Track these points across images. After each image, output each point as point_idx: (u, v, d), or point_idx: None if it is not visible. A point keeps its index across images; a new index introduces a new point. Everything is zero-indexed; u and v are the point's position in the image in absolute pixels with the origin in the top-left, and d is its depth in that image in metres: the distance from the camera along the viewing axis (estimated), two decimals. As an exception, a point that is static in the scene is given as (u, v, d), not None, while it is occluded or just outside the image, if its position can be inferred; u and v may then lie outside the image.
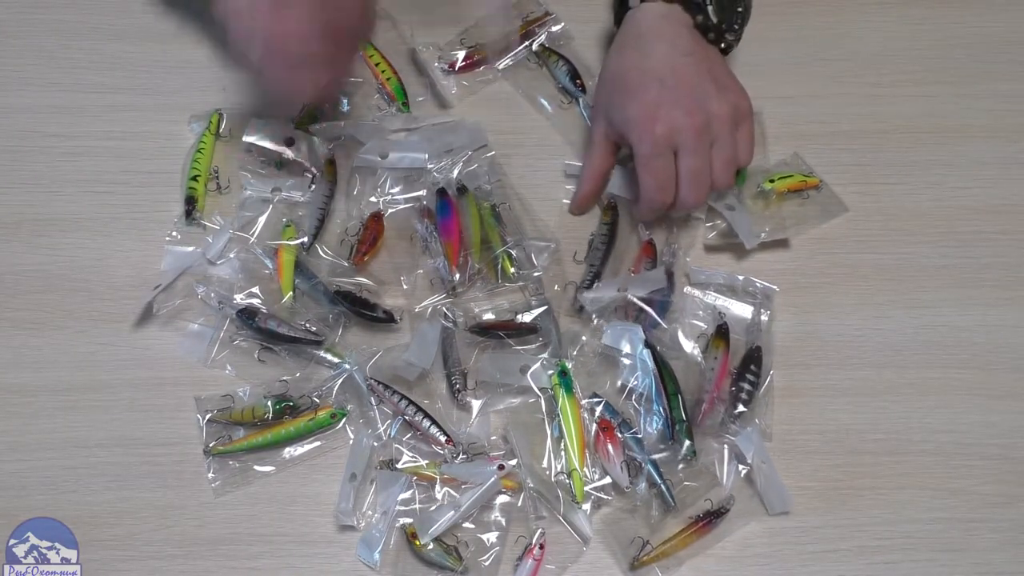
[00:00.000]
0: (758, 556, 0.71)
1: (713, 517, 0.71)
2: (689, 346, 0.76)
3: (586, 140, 0.82)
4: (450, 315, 0.76)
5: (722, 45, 0.77)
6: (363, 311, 0.75)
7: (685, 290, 0.78)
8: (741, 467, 0.72)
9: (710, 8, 0.76)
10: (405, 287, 0.77)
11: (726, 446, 0.73)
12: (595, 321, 0.75)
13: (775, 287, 0.77)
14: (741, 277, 0.77)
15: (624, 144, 0.76)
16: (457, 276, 0.76)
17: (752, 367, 0.74)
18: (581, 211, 0.81)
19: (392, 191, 0.80)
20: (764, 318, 0.76)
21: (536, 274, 0.77)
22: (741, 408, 0.73)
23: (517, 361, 0.74)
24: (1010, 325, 0.78)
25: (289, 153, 0.80)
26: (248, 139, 0.80)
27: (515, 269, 0.77)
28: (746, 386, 0.73)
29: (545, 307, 0.75)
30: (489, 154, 0.82)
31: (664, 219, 0.79)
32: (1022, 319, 0.78)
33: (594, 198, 0.80)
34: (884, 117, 0.85)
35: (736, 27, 0.77)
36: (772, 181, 0.80)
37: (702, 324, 0.77)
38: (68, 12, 0.87)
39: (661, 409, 0.72)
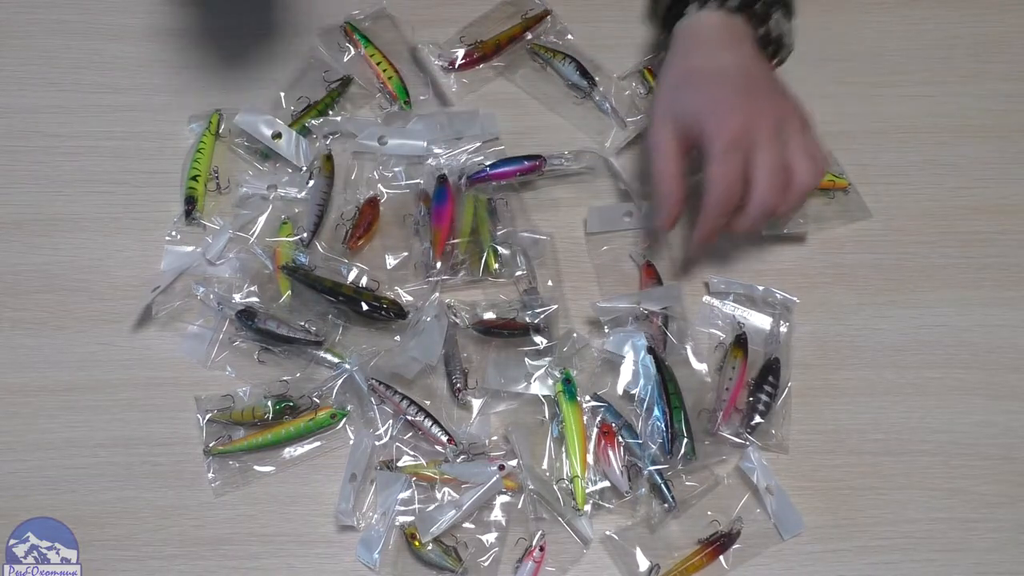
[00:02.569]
0: (758, 556, 0.71)
1: (723, 539, 0.70)
2: (700, 365, 0.75)
3: (601, 132, 0.83)
4: (454, 311, 0.76)
5: (775, 60, 0.78)
6: (369, 310, 0.75)
7: (704, 299, 0.78)
8: (756, 482, 0.72)
9: (772, 21, 0.75)
10: (389, 268, 0.77)
11: (738, 468, 0.73)
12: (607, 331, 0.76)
13: (795, 299, 0.77)
14: (761, 287, 0.77)
15: (694, 143, 0.71)
16: (439, 264, 0.77)
17: (770, 378, 0.74)
18: (675, 221, 0.74)
19: (395, 169, 0.81)
20: (783, 329, 0.76)
21: (518, 274, 0.77)
22: (758, 419, 0.73)
23: (522, 369, 0.74)
24: (1010, 325, 0.78)
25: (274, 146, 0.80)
26: (239, 121, 0.80)
27: (499, 265, 0.77)
28: (763, 397, 0.73)
29: (555, 306, 0.75)
30: (499, 148, 0.82)
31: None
32: (1022, 319, 0.78)
33: (684, 203, 0.73)
34: (884, 117, 0.85)
35: (789, 43, 0.77)
36: None
37: (720, 333, 0.77)
38: (68, 12, 0.87)
39: (662, 422, 0.72)
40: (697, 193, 0.72)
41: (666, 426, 0.71)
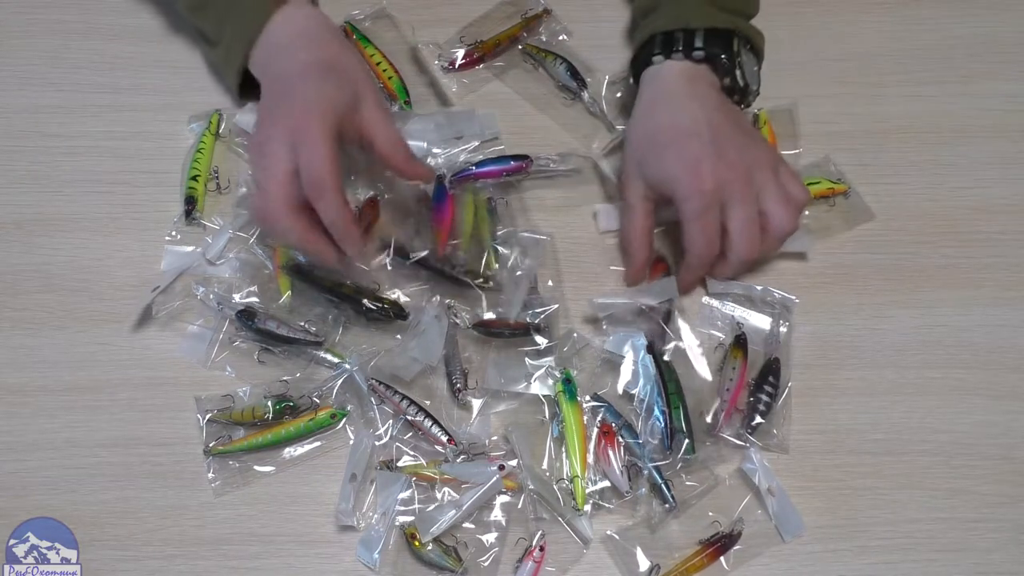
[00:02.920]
0: (758, 556, 0.71)
1: (724, 540, 0.70)
2: (701, 365, 0.75)
3: (588, 135, 0.83)
4: (454, 311, 0.76)
5: (742, 106, 0.78)
6: (370, 310, 0.75)
7: (703, 300, 0.78)
8: (758, 483, 0.72)
9: (738, 72, 0.75)
10: (389, 269, 0.77)
11: (739, 469, 0.73)
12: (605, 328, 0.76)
13: (794, 298, 0.77)
14: (759, 287, 0.77)
15: (664, 202, 0.74)
16: (440, 265, 0.76)
17: (771, 379, 0.74)
18: (638, 280, 0.78)
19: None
20: (783, 329, 0.76)
21: (518, 273, 0.77)
22: (758, 419, 0.73)
23: (522, 369, 0.74)
24: (1011, 325, 0.78)
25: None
26: (239, 121, 0.80)
27: (499, 265, 0.77)
28: (764, 397, 0.73)
29: (555, 306, 0.75)
30: (499, 147, 0.82)
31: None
32: (1023, 319, 0.78)
33: (648, 263, 0.78)
34: (884, 117, 0.85)
35: (756, 87, 0.77)
36: None
37: (720, 334, 0.77)
38: (68, 12, 0.87)
39: (662, 418, 0.72)
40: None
41: (665, 423, 0.71)
